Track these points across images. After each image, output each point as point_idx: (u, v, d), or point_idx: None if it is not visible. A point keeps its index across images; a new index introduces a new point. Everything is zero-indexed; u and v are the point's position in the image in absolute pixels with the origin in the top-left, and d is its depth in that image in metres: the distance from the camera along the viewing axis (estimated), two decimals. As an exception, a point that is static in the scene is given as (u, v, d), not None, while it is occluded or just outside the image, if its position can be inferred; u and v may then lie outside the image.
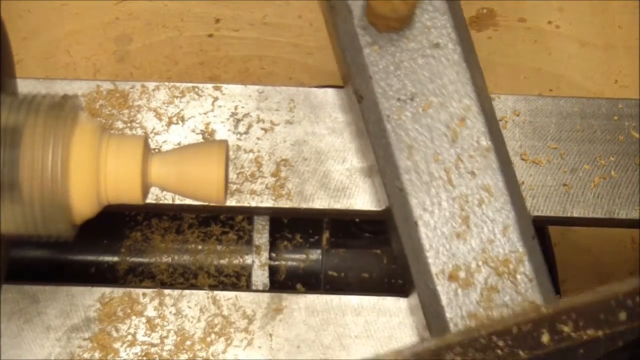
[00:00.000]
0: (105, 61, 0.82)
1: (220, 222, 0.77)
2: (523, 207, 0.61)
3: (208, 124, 0.70)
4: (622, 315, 0.42)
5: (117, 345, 0.65)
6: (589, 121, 0.73)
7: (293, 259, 0.77)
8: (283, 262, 0.76)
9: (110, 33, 0.84)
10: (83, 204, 0.42)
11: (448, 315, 0.59)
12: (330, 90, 0.71)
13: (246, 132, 0.70)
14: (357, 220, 0.76)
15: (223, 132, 0.70)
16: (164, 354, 0.64)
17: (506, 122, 0.71)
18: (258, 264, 0.75)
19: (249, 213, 0.74)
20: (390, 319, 0.67)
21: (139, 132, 0.70)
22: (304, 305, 0.67)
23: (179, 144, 0.69)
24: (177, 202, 0.67)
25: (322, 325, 0.67)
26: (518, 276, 0.59)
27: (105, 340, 0.65)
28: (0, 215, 0.41)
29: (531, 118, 0.71)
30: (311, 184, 0.68)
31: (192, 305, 0.66)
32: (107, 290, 0.67)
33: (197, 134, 0.69)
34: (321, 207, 0.68)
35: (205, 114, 0.70)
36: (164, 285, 0.75)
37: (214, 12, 0.86)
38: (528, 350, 0.41)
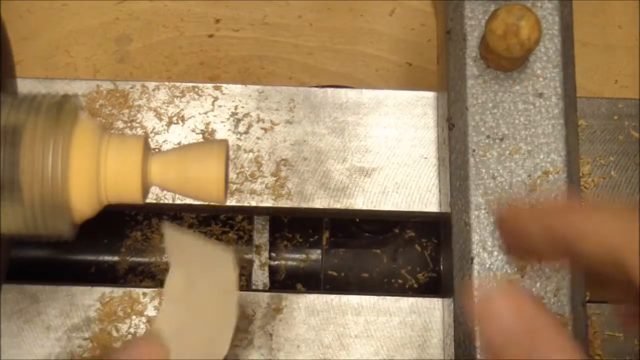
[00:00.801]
0: (105, 61, 0.82)
1: (221, 221, 0.77)
2: (580, 273, 0.61)
3: (208, 123, 0.70)
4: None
5: (117, 344, 0.65)
6: (589, 121, 0.73)
7: (293, 259, 0.77)
8: (283, 262, 0.76)
9: (110, 33, 0.84)
10: (83, 203, 0.42)
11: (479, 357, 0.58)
12: (330, 90, 0.71)
13: (246, 132, 0.70)
14: (357, 220, 0.76)
15: (223, 132, 0.70)
16: (164, 353, 0.64)
17: (506, 122, 0.71)
18: (258, 264, 0.75)
19: (249, 213, 0.74)
20: (390, 318, 0.67)
21: (139, 132, 0.70)
22: (304, 305, 0.67)
23: (179, 143, 0.69)
24: (177, 202, 0.67)
25: (322, 325, 0.67)
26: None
27: (105, 340, 0.65)
28: (0, 215, 0.41)
29: (531, 118, 0.71)
30: (311, 184, 0.68)
31: (192, 305, 0.66)
32: (107, 290, 0.67)
33: (197, 133, 0.69)
34: (321, 206, 0.68)
35: (205, 113, 0.70)
36: (164, 285, 0.75)
37: (214, 12, 0.86)
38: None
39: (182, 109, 0.70)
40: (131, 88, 0.71)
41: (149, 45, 0.84)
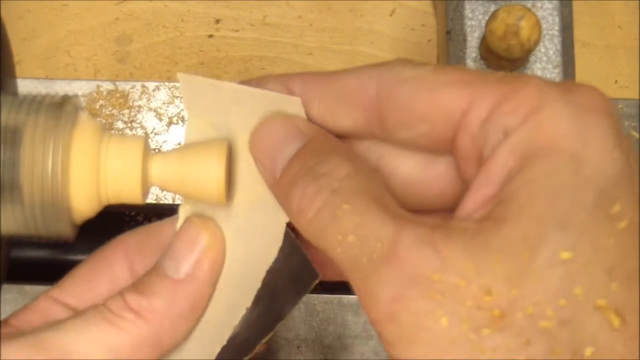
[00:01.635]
0: (105, 61, 0.82)
1: (221, 222, 0.76)
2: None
3: (208, 124, 0.70)
4: None
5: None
6: (589, 121, 0.73)
7: (293, 259, 0.77)
8: (283, 262, 0.76)
9: (110, 33, 0.84)
10: (83, 203, 0.42)
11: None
12: (330, 91, 0.71)
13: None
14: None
15: (223, 132, 0.69)
16: (164, 354, 0.64)
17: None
18: (258, 264, 0.75)
19: (249, 213, 0.74)
20: (390, 319, 0.67)
21: (139, 132, 0.70)
22: (304, 305, 0.67)
23: (179, 144, 0.69)
24: (177, 202, 0.67)
25: (322, 325, 0.67)
26: None
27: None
28: (0, 215, 0.41)
29: (531, 118, 0.71)
30: (311, 184, 0.68)
31: (192, 305, 0.66)
32: (107, 290, 0.66)
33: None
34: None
35: (205, 114, 0.70)
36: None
37: (214, 12, 0.86)
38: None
39: (182, 109, 0.70)
40: (131, 88, 0.71)
41: (149, 45, 0.84)
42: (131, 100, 0.70)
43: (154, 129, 0.69)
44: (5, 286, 0.65)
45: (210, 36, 0.85)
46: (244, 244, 0.44)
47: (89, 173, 0.42)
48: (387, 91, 0.39)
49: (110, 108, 0.70)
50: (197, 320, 0.44)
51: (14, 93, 0.56)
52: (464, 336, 0.32)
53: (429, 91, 0.38)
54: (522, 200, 0.34)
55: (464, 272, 0.33)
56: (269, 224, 0.42)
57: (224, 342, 0.42)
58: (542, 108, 0.35)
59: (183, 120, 0.70)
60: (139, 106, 0.70)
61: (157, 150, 0.69)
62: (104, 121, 0.70)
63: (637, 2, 0.89)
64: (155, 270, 0.44)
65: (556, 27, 0.64)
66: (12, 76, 0.56)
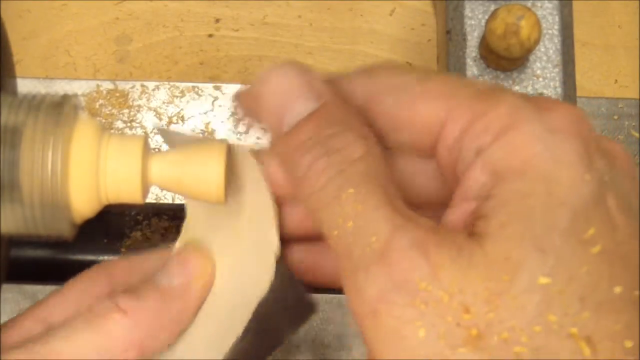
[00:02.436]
0: (105, 61, 0.82)
1: (220, 222, 0.76)
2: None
3: (208, 123, 0.70)
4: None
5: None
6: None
7: (293, 259, 0.77)
8: (283, 262, 0.76)
9: (110, 33, 0.84)
10: (83, 203, 0.42)
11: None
12: (330, 90, 0.71)
13: (246, 132, 0.70)
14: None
15: (223, 132, 0.69)
16: (164, 353, 0.64)
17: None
18: (258, 264, 0.75)
19: (249, 213, 0.74)
20: (390, 318, 0.67)
21: (139, 131, 0.70)
22: (304, 305, 0.67)
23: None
24: (177, 202, 0.67)
25: (322, 325, 0.67)
26: None
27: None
28: (0, 215, 0.41)
29: (531, 118, 0.71)
30: (311, 184, 0.68)
31: (192, 305, 0.66)
32: (107, 290, 0.66)
33: (197, 133, 0.69)
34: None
35: (205, 113, 0.70)
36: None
37: (214, 12, 0.86)
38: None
39: (182, 109, 0.70)
40: (131, 88, 0.71)
41: (149, 45, 0.84)
42: (131, 99, 0.70)
43: (154, 128, 0.69)
44: (5, 286, 0.65)
45: (210, 36, 0.85)
46: (238, 274, 0.44)
47: (89, 172, 0.42)
48: (373, 99, 0.39)
49: (110, 107, 0.70)
50: (178, 335, 0.44)
51: (14, 93, 0.56)
52: (440, 351, 0.32)
53: (410, 102, 0.38)
54: (502, 218, 0.34)
55: (449, 287, 0.33)
56: (262, 256, 0.43)
57: None
58: (513, 128, 0.35)
59: (183, 120, 0.70)
60: (139, 106, 0.70)
61: (157, 150, 0.69)
62: (103, 121, 0.70)
63: (637, 2, 0.89)
64: (147, 281, 0.44)
65: (556, 27, 0.64)
66: (12, 76, 0.56)
